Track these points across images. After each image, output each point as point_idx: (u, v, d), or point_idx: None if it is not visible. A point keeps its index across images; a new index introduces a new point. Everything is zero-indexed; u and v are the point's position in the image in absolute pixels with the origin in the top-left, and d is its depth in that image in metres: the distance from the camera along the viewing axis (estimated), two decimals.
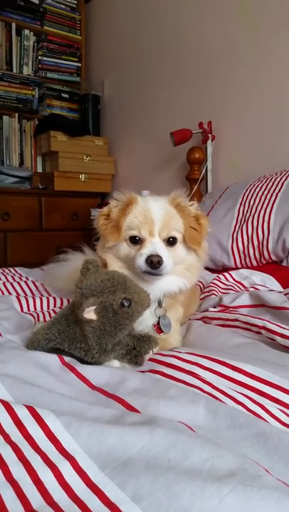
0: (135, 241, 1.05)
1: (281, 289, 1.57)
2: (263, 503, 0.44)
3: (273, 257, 1.79)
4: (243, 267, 1.86)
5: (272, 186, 1.92)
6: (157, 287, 1.07)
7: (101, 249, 1.13)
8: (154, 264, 0.98)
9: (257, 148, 2.39)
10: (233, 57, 2.49)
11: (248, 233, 1.86)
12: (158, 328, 1.08)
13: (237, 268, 1.87)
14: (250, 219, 1.88)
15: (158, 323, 1.09)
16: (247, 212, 1.92)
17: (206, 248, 1.14)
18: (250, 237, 1.85)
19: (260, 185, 1.98)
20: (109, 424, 0.59)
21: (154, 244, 1.02)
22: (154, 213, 1.05)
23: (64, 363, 0.84)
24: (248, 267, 1.85)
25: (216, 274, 1.69)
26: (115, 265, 1.09)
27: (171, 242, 1.06)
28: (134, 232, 1.05)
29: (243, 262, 1.87)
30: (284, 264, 1.77)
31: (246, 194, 1.99)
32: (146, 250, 1.01)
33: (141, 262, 1.00)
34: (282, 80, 2.23)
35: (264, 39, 2.31)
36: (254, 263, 1.85)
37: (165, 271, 1.01)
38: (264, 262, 1.83)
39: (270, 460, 0.57)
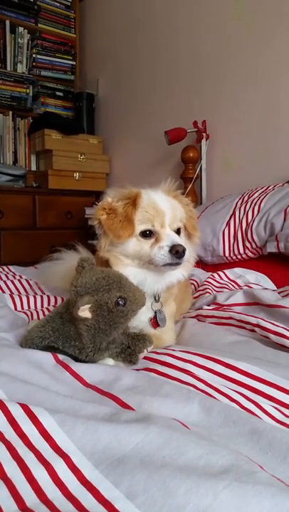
0: (147, 235, 1.04)
1: (275, 288, 1.58)
2: (258, 499, 0.44)
3: (255, 238, 1.82)
4: (230, 253, 1.91)
5: (274, 185, 1.98)
6: (163, 280, 1.07)
7: (104, 248, 1.08)
8: (180, 253, 0.99)
9: (251, 147, 2.39)
10: (228, 57, 2.50)
11: (239, 217, 1.91)
12: (154, 322, 1.08)
13: (224, 255, 1.92)
14: (244, 205, 1.94)
15: (155, 317, 1.09)
16: (243, 202, 1.97)
17: (199, 234, 1.18)
18: (241, 220, 1.90)
19: (261, 186, 2.03)
20: (103, 421, 0.59)
21: (171, 236, 1.03)
22: (162, 206, 1.06)
23: (58, 361, 0.84)
24: (234, 254, 1.90)
25: (210, 273, 1.70)
26: (122, 263, 1.06)
27: (177, 232, 1.08)
28: (146, 226, 1.04)
29: (231, 248, 1.91)
30: (265, 251, 1.79)
31: (247, 192, 2.04)
32: (167, 242, 1.01)
33: (164, 253, 1.00)
34: (276, 80, 2.24)
35: (258, 38, 2.31)
36: (241, 249, 1.88)
37: (185, 260, 1.01)
38: (248, 245, 1.86)
39: (264, 457, 0.58)
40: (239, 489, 0.45)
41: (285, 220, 1.72)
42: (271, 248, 1.73)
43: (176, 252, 0.99)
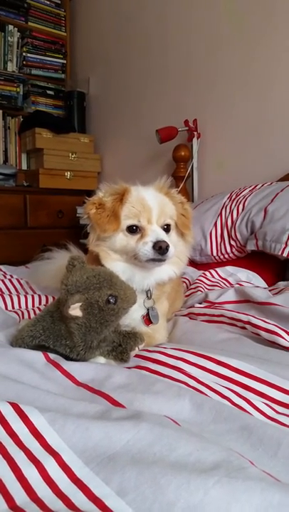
0: (133, 230, 1.04)
1: (266, 286, 1.59)
2: (248, 494, 0.44)
3: (238, 236, 1.83)
4: (218, 253, 1.91)
5: (262, 184, 1.98)
6: (152, 276, 1.07)
7: (93, 242, 1.09)
8: (163, 249, 0.98)
9: (243, 145, 2.40)
10: (219, 55, 2.50)
11: (226, 216, 1.92)
12: (147, 319, 1.08)
13: (212, 254, 1.92)
14: (230, 204, 1.95)
15: (147, 314, 1.09)
16: (230, 201, 1.98)
17: (193, 233, 1.17)
18: (226, 218, 1.91)
19: (249, 184, 2.03)
20: (94, 419, 0.59)
21: (156, 232, 1.02)
22: (150, 201, 1.05)
23: (49, 360, 0.84)
24: (221, 253, 1.91)
25: (201, 271, 1.70)
26: (110, 257, 1.07)
27: (166, 229, 1.07)
28: (132, 221, 1.04)
29: (218, 247, 1.91)
30: (247, 249, 1.79)
31: (235, 191, 2.05)
32: (151, 238, 1.00)
33: (147, 249, 0.99)
34: (267, 78, 2.25)
35: (249, 37, 2.32)
36: (228, 248, 1.89)
37: (169, 256, 1.01)
38: (233, 243, 1.87)
39: (255, 452, 0.58)
40: (229, 485, 0.45)
41: (264, 218, 1.73)
42: (251, 246, 1.74)
43: (160, 248, 0.98)
